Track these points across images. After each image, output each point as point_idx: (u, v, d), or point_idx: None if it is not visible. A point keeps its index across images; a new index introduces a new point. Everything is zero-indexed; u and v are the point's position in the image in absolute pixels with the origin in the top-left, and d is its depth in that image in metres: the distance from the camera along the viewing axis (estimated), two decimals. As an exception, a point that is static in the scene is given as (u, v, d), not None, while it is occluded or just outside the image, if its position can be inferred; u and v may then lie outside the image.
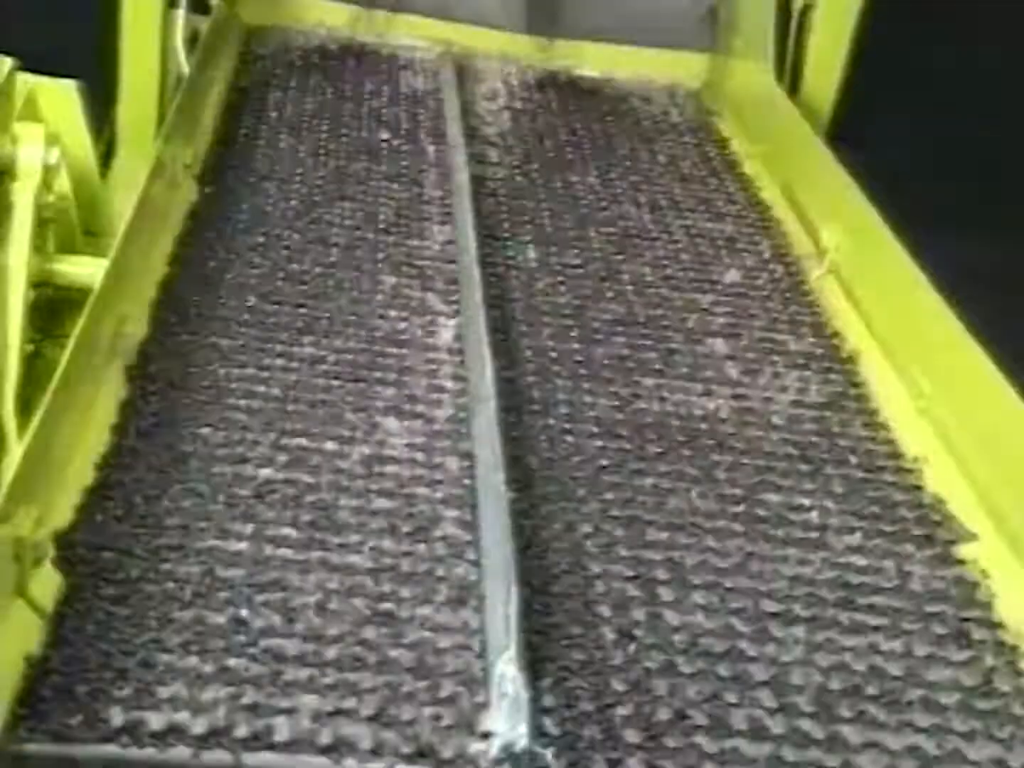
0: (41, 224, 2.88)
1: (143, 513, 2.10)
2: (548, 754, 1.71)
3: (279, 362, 2.59)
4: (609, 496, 2.34)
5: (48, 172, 2.81)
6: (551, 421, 2.55)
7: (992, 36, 5.42)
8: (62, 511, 2.04)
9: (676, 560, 2.20)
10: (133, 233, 2.64)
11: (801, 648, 2.05)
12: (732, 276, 3.21)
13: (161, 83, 4.10)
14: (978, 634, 2.14)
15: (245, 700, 1.76)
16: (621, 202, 3.54)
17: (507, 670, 1.77)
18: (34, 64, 3.12)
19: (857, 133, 4.12)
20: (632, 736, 1.82)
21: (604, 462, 2.44)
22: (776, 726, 1.88)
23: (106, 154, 3.87)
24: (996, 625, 2.17)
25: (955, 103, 5.34)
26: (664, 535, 2.26)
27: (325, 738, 1.72)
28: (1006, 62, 5.40)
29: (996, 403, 2.42)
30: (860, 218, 3.10)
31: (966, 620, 2.17)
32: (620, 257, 3.24)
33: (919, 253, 2.84)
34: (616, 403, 2.64)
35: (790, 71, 4.19)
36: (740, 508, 2.38)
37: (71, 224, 3.03)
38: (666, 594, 2.13)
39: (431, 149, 3.67)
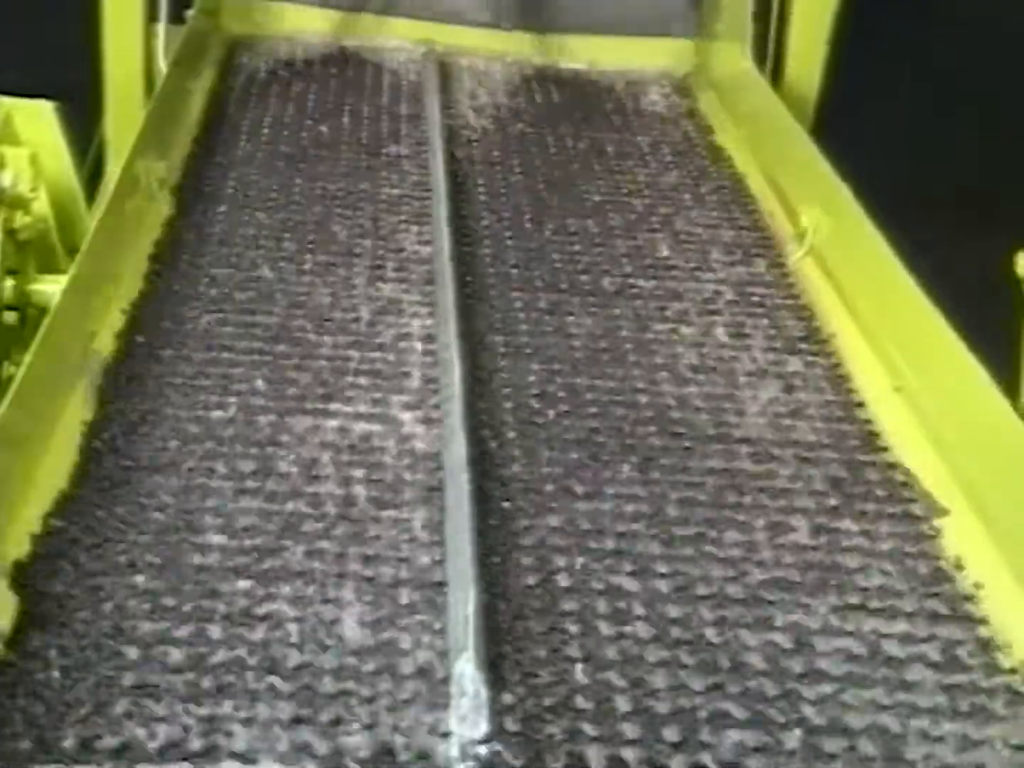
0: (19, 246, 2.93)
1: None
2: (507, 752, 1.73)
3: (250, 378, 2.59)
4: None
5: (7, 193, 2.85)
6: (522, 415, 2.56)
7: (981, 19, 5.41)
8: (19, 537, 2.06)
9: (645, 565, 2.21)
10: (98, 249, 2.66)
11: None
12: (714, 259, 3.23)
13: (147, 99, 4.10)
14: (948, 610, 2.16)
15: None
16: (603, 193, 3.55)
17: (466, 669, 1.79)
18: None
19: (844, 120, 4.14)
20: None
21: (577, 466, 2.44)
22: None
23: (94, 172, 3.91)
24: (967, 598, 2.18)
25: (943, 90, 5.33)
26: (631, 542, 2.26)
27: None
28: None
29: (969, 382, 2.43)
30: (837, 200, 3.11)
31: (936, 595, 2.18)
32: (600, 248, 3.25)
33: (898, 237, 2.85)
34: (590, 395, 2.65)
35: (772, 55, 4.20)
36: (717, 481, 2.41)
37: (52, 244, 3.07)
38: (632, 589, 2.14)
39: (412, 151, 3.67)
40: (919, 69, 5.31)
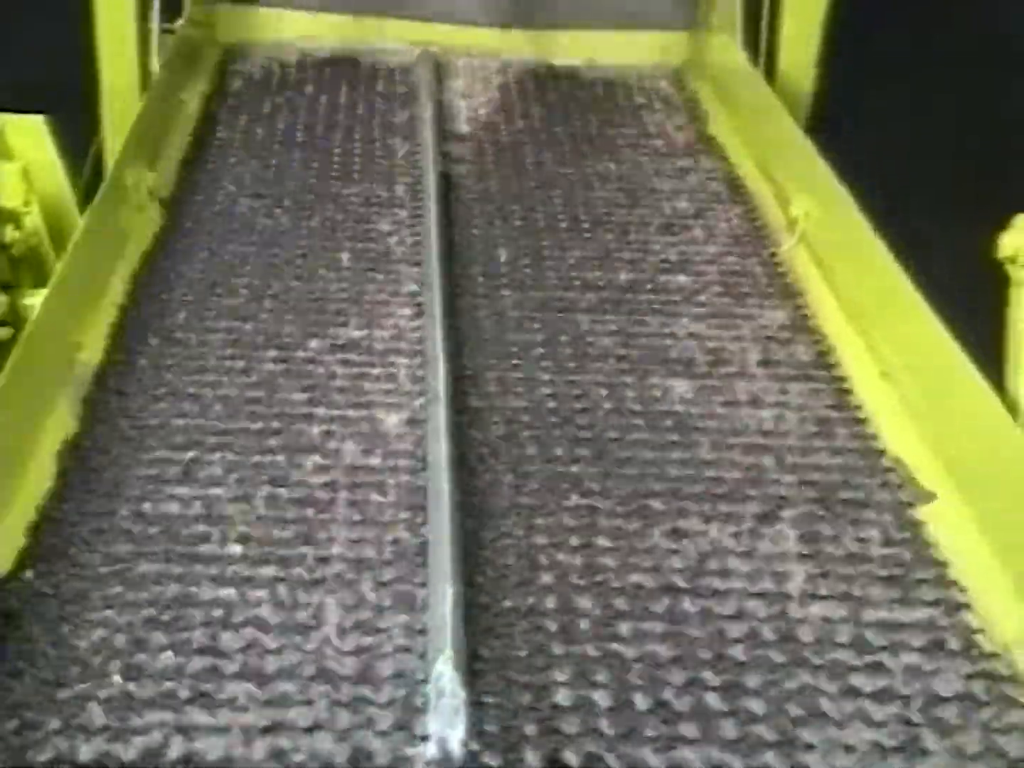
0: (12, 261, 2.94)
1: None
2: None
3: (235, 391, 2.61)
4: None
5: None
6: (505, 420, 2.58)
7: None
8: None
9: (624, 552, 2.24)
10: (81, 260, 2.67)
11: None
12: (706, 249, 3.24)
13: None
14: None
15: None
16: (596, 187, 3.55)
17: (444, 670, 1.80)
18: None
19: (839, 110, 4.13)
20: None
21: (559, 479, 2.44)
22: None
23: (94, 182, 3.91)
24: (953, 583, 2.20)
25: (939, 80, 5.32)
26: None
27: None
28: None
29: (951, 367, 2.44)
30: (827, 190, 3.12)
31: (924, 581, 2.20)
32: (591, 242, 3.26)
33: (891, 226, 2.86)
34: (577, 392, 2.66)
35: (766, 45, 4.18)
36: (704, 473, 2.44)
37: (45, 259, 3.08)
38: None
39: (404, 153, 3.68)
40: (915, 58, 5.30)
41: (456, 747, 1.74)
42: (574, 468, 2.43)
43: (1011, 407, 2.35)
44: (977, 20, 5.37)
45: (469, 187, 3.52)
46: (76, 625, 1.99)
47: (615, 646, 2.01)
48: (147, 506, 2.26)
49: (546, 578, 2.15)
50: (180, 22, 3.98)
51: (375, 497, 2.30)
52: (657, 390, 2.68)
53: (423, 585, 2.09)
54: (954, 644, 2.05)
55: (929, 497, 2.38)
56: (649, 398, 2.65)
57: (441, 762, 1.73)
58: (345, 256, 3.12)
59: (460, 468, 2.32)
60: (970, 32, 5.33)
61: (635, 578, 2.16)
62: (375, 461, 2.41)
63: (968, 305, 2.48)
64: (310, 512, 2.27)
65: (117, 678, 1.88)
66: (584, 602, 2.10)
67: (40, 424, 2.37)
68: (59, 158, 3.24)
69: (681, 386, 2.70)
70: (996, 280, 2.80)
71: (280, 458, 2.40)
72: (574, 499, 2.35)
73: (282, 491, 2.32)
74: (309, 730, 1.83)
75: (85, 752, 1.79)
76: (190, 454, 2.39)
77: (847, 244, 2.99)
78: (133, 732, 1.81)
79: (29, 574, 2.07)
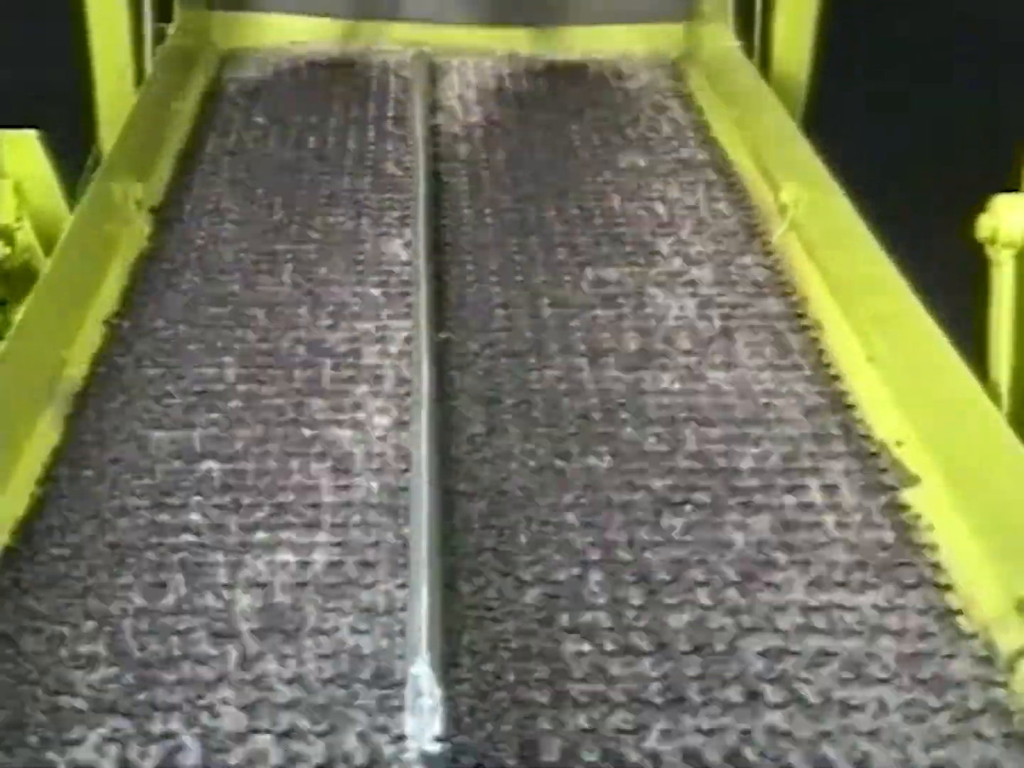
0: (3, 277, 2.96)
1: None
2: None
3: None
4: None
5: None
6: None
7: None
8: None
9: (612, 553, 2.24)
10: (65, 271, 2.68)
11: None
12: (700, 237, 3.25)
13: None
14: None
15: None
16: (590, 183, 3.55)
17: (420, 671, 1.80)
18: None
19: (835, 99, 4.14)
20: None
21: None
22: None
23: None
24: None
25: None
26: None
27: None
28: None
29: (937, 355, 2.45)
30: (815, 177, 3.13)
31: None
32: (586, 239, 3.26)
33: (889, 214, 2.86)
34: (563, 386, 2.67)
35: (760, 36, 4.17)
36: (690, 459, 2.44)
37: (38, 274, 3.08)
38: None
39: (398, 158, 3.68)
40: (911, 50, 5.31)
41: (432, 746, 1.74)
42: None
43: (992, 386, 2.35)
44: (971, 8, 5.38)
45: (461, 187, 3.52)
46: None
47: None
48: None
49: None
50: (171, 28, 3.98)
51: None
52: (646, 383, 2.69)
53: None
54: (934, 626, 2.05)
55: (913, 480, 2.38)
56: (637, 392, 2.65)
57: (418, 761, 1.73)
58: (337, 261, 3.12)
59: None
60: (962, 20, 5.34)
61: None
62: None
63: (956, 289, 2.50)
64: None
65: None
66: None
67: (21, 445, 2.37)
68: (53, 173, 3.25)
69: (667, 376, 2.71)
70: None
71: (273, 464, 2.42)
72: None
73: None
74: None
75: None
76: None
77: (835, 231, 2.99)
78: None
79: None
